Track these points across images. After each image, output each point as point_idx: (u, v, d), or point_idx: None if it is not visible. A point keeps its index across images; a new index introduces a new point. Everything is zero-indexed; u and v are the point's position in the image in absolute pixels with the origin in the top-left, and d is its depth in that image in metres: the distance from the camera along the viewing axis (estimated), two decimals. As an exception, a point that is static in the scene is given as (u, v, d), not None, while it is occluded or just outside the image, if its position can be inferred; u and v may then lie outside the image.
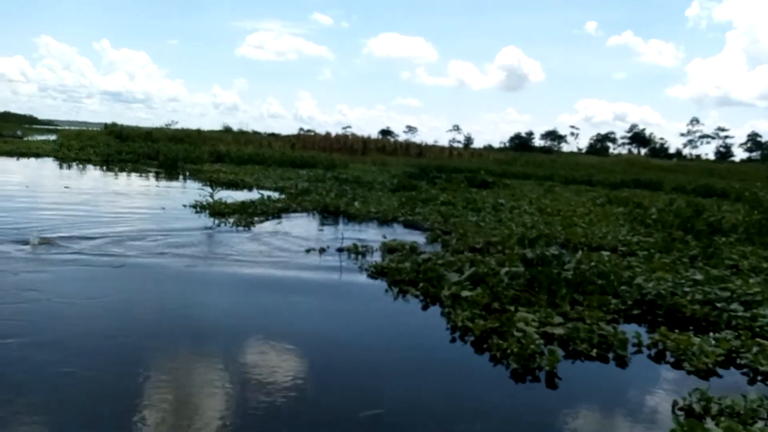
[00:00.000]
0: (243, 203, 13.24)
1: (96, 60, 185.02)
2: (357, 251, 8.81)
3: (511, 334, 4.99)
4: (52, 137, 51.26)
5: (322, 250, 8.83)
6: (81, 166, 25.76)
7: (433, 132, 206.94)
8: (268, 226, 11.44)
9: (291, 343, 5.14)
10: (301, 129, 71.16)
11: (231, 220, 11.33)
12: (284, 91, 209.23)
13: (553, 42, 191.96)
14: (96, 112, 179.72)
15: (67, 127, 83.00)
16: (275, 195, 16.16)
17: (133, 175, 22.83)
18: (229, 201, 13.43)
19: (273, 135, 63.34)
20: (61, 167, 25.19)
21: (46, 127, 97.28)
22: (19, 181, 17.93)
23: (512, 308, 5.84)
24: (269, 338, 5.26)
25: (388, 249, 8.90)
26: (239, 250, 8.73)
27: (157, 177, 22.38)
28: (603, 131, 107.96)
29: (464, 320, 5.49)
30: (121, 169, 24.53)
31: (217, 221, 11.38)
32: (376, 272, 7.69)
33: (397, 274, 7.30)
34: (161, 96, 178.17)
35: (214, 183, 18.98)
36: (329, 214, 13.47)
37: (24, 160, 27.52)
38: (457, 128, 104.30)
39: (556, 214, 13.87)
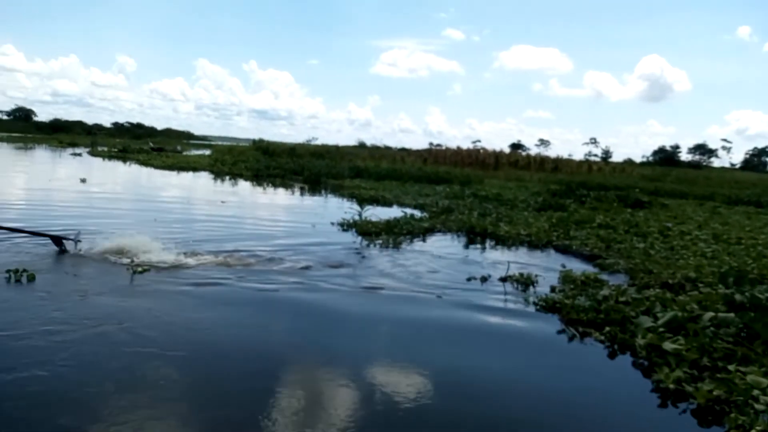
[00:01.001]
0: (388, 222, 12.88)
1: (245, 80, 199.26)
2: (523, 281, 7.98)
3: (750, 406, 3.94)
4: (207, 152, 55.30)
5: (483, 279, 8.08)
6: (233, 180, 27.13)
7: (567, 145, 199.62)
8: (417, 247, 10.92)
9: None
10: (431, 143, 71.28)
11: (379, 241, 10.96)
12: (415, 107, 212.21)
13: (701, 49, 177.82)
14: (244, 129, 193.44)
15: (219, 143, 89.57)
16: (417, 213, 15.73)
17: (281, 189, 23.53)
18: (374, 219, 13.18)
19: (404, 149, 63.96)
20: (215, 180, 26.74)
21: (201, 142, 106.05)
22: (180, 194, 19.12)
23: (731, 367, 4.74)
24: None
25: (564, 277, 7.99)
26: (394, 277, 8.20)
27: (302, 192, 22.91)
28: (759, 145, 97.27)
29: (676, 381, 4.49)
30: (270, 184, 25.47)
31: (365, 241, 11.07)
32: (546, 307, 6.83)
33: (573, 312, 6.38)
34: (302, 113, 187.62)
35: (360, 200, 19.05)
36: (475, 236, 12.72)
37: (183, 174, 29.57)
38: (594, 141, 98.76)
39: (736, 242, 12.05)
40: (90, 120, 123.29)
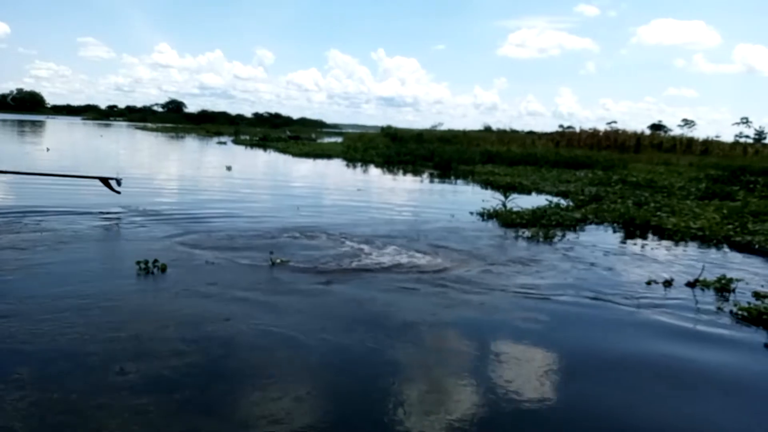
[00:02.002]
0: (534, 212, 11.78)
1: (373, 68, 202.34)
2: (721, 286, 6.64)
3: None
4: (338, 139, 56.44)
5: (667, 284, 6.82)
6: (364, 167, 27.06)
7: (714, 126, 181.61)
8: (571, 240, 9.75)
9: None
10: (561, 126, 67.30)
11: (526, 233, 9.92)
12: (544, 88, 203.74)
13: None
14: (372, 116, 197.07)
15: (349, 131, 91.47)
16: (562, 201, 14.40)
17: (413, 176, 22.98)
18: (514, 207, 12.14)
19: (532, 133, 61.07)
20: (348, 167, 26.82)
21: (332, 130, 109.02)
22: (318, 181, 19.18)
23: None
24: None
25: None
26: (555, 278, 7.15)
27: (432, 178, 22.18)
28: None
29: None
30: (401, 170, 25.04)
31: (511, 233, 10.10)
32: (749, 317, 5.53)
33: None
34: (428, 99, 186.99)
35: (496, 187, 17.99)
36: (635, 228, 11.24)
37: (319, 161, 30.05)
38: (746, 121, 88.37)
39: None
40: (233, 111, 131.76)
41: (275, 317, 5.24)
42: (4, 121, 72.30)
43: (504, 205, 11.89)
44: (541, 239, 9.53)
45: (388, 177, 22.66)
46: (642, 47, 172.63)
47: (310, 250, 7.95)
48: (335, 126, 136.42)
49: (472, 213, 12.27)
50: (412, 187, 19.28)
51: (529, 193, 16.96)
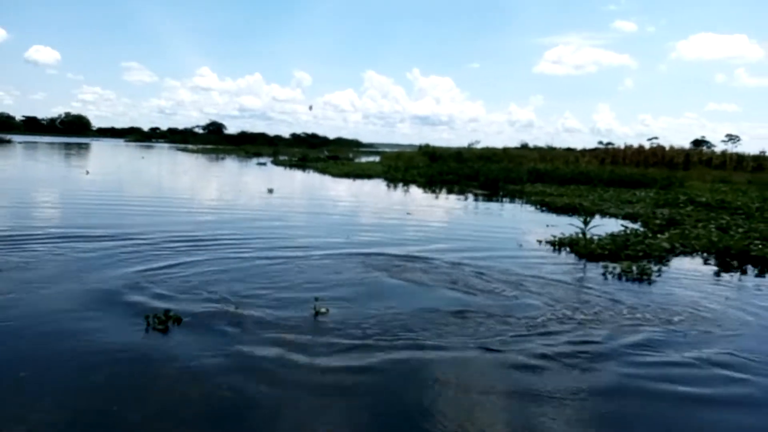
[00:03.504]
0: (613, 240, 10.37)
1: (408, 88, 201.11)
2: None
3: None
4: (374, 158, 55.54)
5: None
6: (406, 187, 25.87)
7: (758, 141, 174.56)
8: (672, 276, 8.30)
9: None
10: (601, 142, 65.09)
11: (614, 267, 8.49)
12: (581, 105, 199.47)
13: None
14: (407, 135, 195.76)
15: (384, 149, 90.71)
16: (632, 225, 12.93)
17: (460, 197, 21.63)
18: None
19: (569, 150, 59.09)
20: (390, 187, 25.65)
21: (368, 149, 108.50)
22: (362, 202, 18.02)
23: None
24: None
25: None
26: (747, 340, 5.75)
27: (480, 198, 20.80)
28: None
29: None
30: (446, 190, 23.75)
31: (598, 268, 8.70)
32: None
33: None
34: (462, 117, 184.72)
35: (553, 208, 16.53)
36: (731, 259, 9.72)
37: (359, 181, 28.98)
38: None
39: None
40: (271, 131, 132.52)
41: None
42: (52, 144, 73.84)
43: (584, 232, 10.46)
44: (635, 275, 8.12)
45: (434, 198, 21.36)
46: (681, 62, 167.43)
47: (370, 289, 6.78)
48: (371, 145, 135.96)
49: (540, 242, 10.90)
50: (463, 210, 17.92)
51: (592, 216, 15.44)
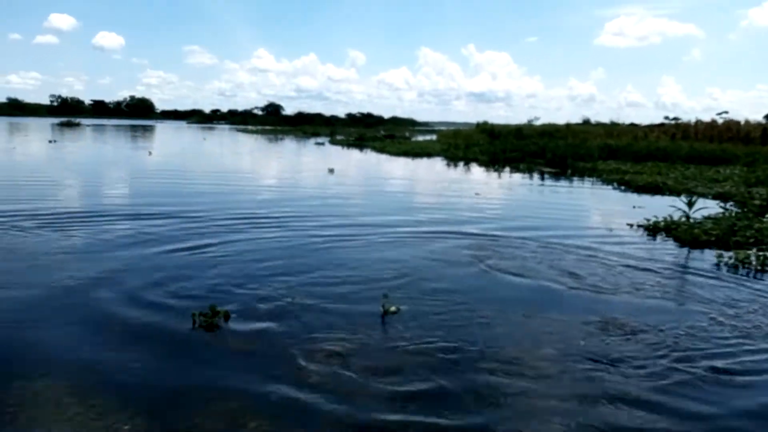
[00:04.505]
0: (717, 223, 9.17)
1: (464, 64, 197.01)
2: None
3: None
4: (430, 137, 54.32)
5: None
6: (467, 165, 24.82)
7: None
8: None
9: None
10: (666, 117, 61.30)
11: (731, 258, 7.35)
12: (645, 78, 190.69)
13: None
14: (462, 112, 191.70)
15: (439, 128, 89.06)
16: (731, 208, 11.59)
17: (526, 175, 20.44)
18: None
19: (633, 125, 56.03)
20: (450, 166, 24.65)
21: (423, 128, 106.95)
22: (428, 183, 17.19)
23: None
24: None
25: None
26: None
27: (548, 177, 19.54)
28: None
29: None
30: (511, 169, 22.56)
31: (709, 258, 7.60)
32: None
33: None
34: (520, 93, 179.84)
35: (634, 187, 15.25)
36: None
37: (419, 160, 28.08)
38: None
39: None
40: (327, 112, 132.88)
41: None
42: (118, 126, 76.11)
43: (687, 216, 9.31)
44: (758, 267, 7.00)
45: (500, 177, 20.27)
46: (753, 31, 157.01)
47: (446, 284, 5.99)
48: (425, 124, 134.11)
49: (631, 225, 9.81)
50: (534, 188, 16.76)
51: (678, 194, 14.05)
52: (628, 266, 6.94)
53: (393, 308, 5.04)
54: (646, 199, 13.82)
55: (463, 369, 4.00)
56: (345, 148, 38.76)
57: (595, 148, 25.81)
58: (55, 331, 4.51)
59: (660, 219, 9.65)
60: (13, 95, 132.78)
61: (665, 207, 10.76)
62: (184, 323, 4.67)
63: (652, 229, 9.39)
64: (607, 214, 11.44)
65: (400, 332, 4.63)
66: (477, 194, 14.31)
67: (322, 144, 44.24)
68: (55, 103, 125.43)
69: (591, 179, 18.78)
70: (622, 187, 16.28)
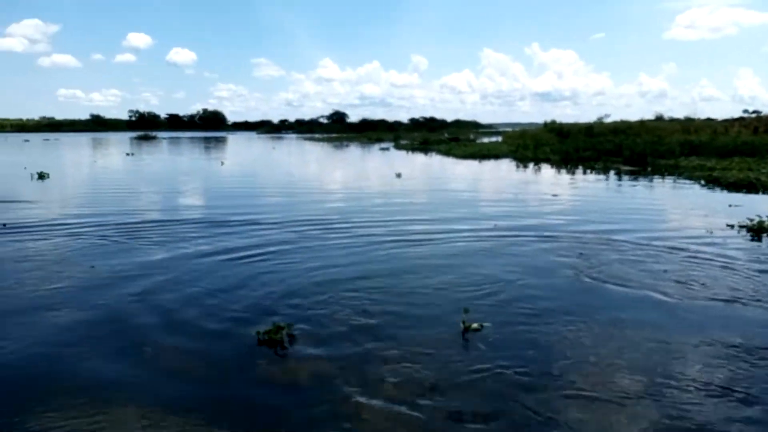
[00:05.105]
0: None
1: (527, 64, 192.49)
2: None
3: None
4: (495, 138, 53.24)
5: None
6: (537, 166, 23.94)
7: None
8: None
9: None
10: (746, 111, 57.27)
11: None
12: (720, 71, 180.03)
13: None
14: (526, 113, 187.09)
15: (506, 129, 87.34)
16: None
17: (603, 175, 19.39)
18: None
19: (709, 120, 52.71)
20: (520, 167, 23.84)
21: (487, 130, 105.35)
22: (501, 186, 16.56)
23: None
24: None
25: None
26: None
27: (628, 176, 18.46)
28: None
29: None
30: (585, 168, 21.53)
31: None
32: None
33: None
34: (587, 91, 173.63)
35: (725, 185, 14.10)
36: None
37: (486, 162, 27.41)
38: None
39: None
40: (390, 117, 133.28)
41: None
42: (193, 138, 79.07)
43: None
44: None
45: (575, 177, 19.33)
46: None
47: (534, 294, 5.50)
48: (489, 126, 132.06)
49: (731, 226, 8.95)
50: (616, 188, 15.77)
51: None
52: (740, 271, 6.23)
53: (475, 325, 4.50)
54: (740, 197, 12.73)
55: (566, 410, 3.42)
56: (410, 153, 38.49)
57: (676, 144, 24.34)
58: (127, 336, 4.42)
59: (765, 218, 8.75)
60: (95, 112, 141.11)
61: (765, 205, 9.80)
62: (249, 338, 4.46)
63: (757, 230, 8.51)
64: (700, 213, 10.54)
65: (484, 354, 4.09)
66: (555, 195, 13.62)
67: (387, 149, 44.15)
68: (134, 118, 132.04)
69: (673, 177, 17.61)
70: (711, 185, 15.11)
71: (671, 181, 16.89)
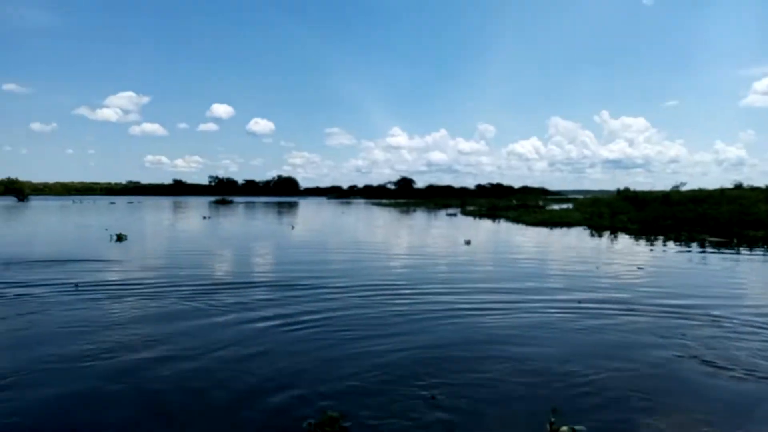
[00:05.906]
0: None
1: (597, 131, 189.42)
2: None
3: None
4: (565, 205, 51.89)
5: None
6: (613, 235, 22.85)
7: None
8: None
9: None
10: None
11: None
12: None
13: None
14: (597, 180, 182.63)
15: (577, 196, 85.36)
16: None
17: (687, 247, 18.16)
18: None
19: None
20: (594, 236, 22.82)
21: (555, 197, 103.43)
22: (580, 256, 15.76)
23: None
24: None
25: None
26: None
27: (711, 247, 17.19)
28: None
29: None
30: (667, 239, 20.33)
31: None
32: None
33: None
34: (661, 159, 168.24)
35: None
36: None
37: (558, 230, 26.54)
38: None
39: None
40: (457, 184, 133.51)
41: None
42: (267, 203, 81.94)
43: None
44: None
45: (655, 247, 18.17)
46: None
47: (637, 385, 4.91)
48: (558, 192, 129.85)
49: None
50: (703, 261, 14.53)
51: None
52: None
53: (565, 429, 3.75)
54: None
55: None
56: (477, 219, 38.03)
57: (764, 214, 22.73)
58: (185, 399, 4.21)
59: None
60: (178, 177, 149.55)
61: None
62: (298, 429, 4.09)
63: None
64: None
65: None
66: (640, 268, 12.75)
67: (454, 215, 43.88)
68: (213, 183, 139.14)
69: (763, 249, 16.26)
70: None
71: (761, 253, 15.58)
